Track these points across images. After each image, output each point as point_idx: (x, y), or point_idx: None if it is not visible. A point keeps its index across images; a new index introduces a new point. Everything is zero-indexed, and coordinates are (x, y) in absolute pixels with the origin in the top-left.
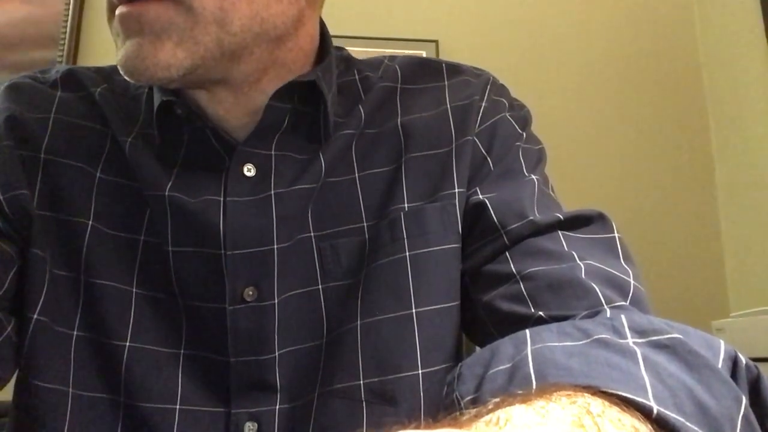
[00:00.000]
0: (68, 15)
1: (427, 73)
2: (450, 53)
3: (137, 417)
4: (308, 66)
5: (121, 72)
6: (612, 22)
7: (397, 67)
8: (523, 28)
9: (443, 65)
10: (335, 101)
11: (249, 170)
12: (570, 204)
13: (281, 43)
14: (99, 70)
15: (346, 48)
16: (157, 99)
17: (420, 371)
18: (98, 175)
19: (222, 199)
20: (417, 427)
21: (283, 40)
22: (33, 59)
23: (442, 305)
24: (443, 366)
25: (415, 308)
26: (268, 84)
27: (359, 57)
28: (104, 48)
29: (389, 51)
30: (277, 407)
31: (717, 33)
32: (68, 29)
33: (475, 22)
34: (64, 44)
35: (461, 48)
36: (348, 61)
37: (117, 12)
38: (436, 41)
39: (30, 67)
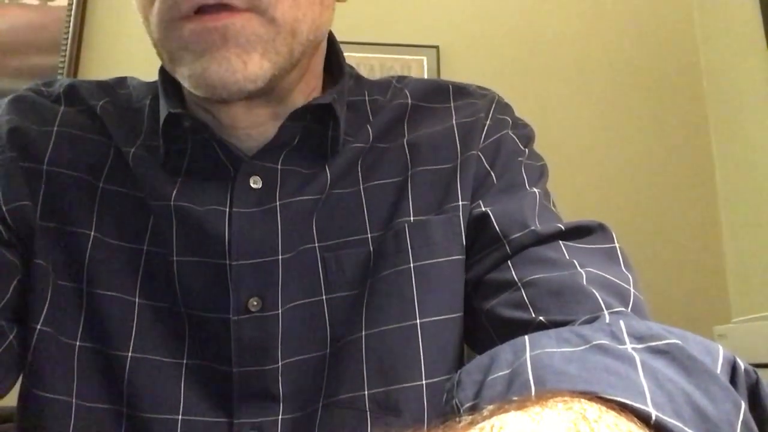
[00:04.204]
0: (70, 21)
1: (434, 95)
2: (451, 59)
3: (140, 427)
4: (320, 75)
5: (197, 86)
6: (612, 27)
7: (406, 90)
8: (524, 33)
9: (450, 87)
10: (345, 119)
11: (255, 182)
12: (570, 209)
13: (315, 50)
14: (101, 84)
15: (348, 54)
16: (164, 110)
17: (424, 381)
18: (101, 185)
19: (227, 209)
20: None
21: (318, 47)
22: (35, 65)
23: (446, 316)
24: (447, 376)
25: (420, 319)
26: (296, 97)
27: (360, 62)
28: (106, 54)
29: (390, 57)
30: (280, 417)
31: (717, 38)
32: (70, 35)
33: (475, 28)
34: (66, 50)
35: (462, 54)
36: (358, 79)
37: (192, 26)
38: (436, 47)
39: (32, 72)
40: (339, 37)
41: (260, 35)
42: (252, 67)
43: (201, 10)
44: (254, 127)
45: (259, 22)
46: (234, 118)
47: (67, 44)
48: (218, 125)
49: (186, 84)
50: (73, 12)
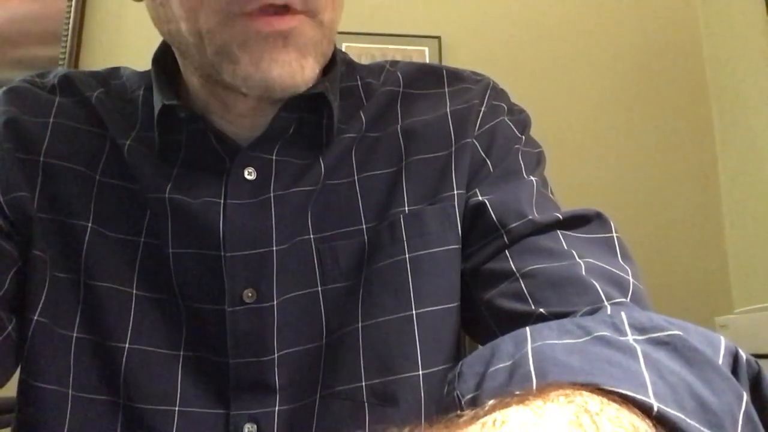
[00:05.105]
0: (70, 12)
1: (428, 79)
2: (452, 49)
3: (136, 418)
4: None
5: (250, 85)
6: (615, 16)
7: (398, 73)
8: (526, 23)
9: (444, 72)
10: (338, 107)
11: (250, 173)
12: (573, 199)
13: None
14: (95, 75)
15: (350, 44)
16: (158, 102)
17: (420, 372)
18: (98, 178)
19: (222, 201)
20: (411, 431)
21: None
22: (35, 56)
23: (442, 306)
24: (443, 366)
25: (416, 309)
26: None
27: (361, 52)
28: (106, 45)
29: (392, 47)
30: (277, 408)
31: (721, 27)
32: (70, 26)
33: (477, 19)
34: (66, 41)
35: (463, 44)
36: (350, 65)
37: (258, 26)
38: (438, 37)
39: (32, 63)
40: (340, 28)
41: (312, 39)
42: (308, 70)
43: (263, 8)
44: (258, 117)
45: (311, 25)
46: (246, 110)
47: (67, 35)
48: (218, 113)
49: (233, 79)
50: (73, 3)
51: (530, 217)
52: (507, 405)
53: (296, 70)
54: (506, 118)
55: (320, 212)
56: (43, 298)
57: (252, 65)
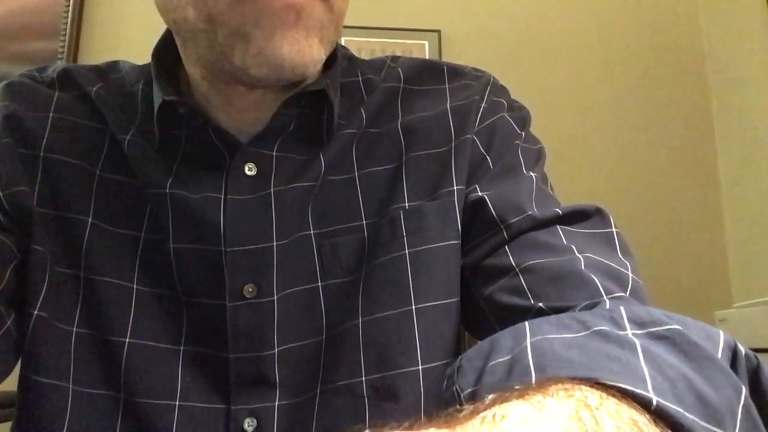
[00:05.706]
0: (69, 5)
1: (428, 75)
2: (452, 43)
3: (137, 413)
4: None
5: (261, 64)
6: (616, 14)
7: (399, 69)
8: (526, 18)
9: (445, 68)
10: (339, 103)
11: (250, 169)
12: (573, 196)
13: None
14: (94, 69)
15: (350, 38)
16: (158, 97)
17: (420, 367)
18: (98, 173)
19: (222, 196)
20: (410, 426)
21: None
22: (34, 50)
23: (441, 301)
24: (443, 362)
25: (415, 305)
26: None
27: (361, 46)
28: (106, 39)
29: (391, 41)
30: (277, 403)
31: (721, 26)
32: (69, 20)
33: (477, 13)
34: (65, 35)
35: (464, 38)
36: (351, 60)
37: (269, 2)
38: (438, 31)
39: (31, 57)
40: None
41: (321, 21)
42: (315, 51)
43: None
44: (258, 112)
45: (322, 8)
46: (248, 104)
47: (66, 29)
48: (219, 108)
49: (243, 62)
50: None
51: (530, 212)
52: (507, 399)
53: (305, 48)
54: (506, 115)
55: (320, 208)
56: (43, 292)
57: (264, 40)
